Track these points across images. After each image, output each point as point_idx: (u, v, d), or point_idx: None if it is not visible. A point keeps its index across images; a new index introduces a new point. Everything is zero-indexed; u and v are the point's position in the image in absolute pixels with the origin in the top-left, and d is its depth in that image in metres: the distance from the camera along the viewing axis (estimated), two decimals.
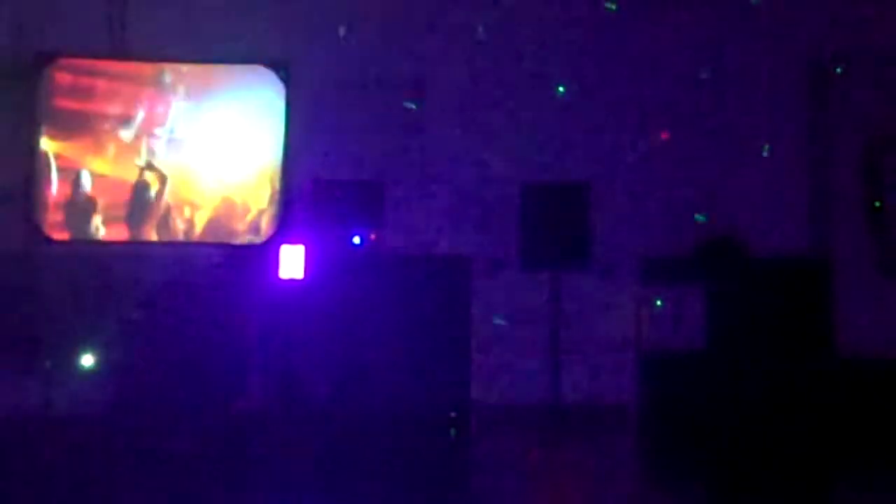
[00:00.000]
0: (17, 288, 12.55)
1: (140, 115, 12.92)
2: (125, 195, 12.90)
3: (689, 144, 13.63)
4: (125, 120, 12.89)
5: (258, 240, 12.92)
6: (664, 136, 13.58)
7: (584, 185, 12.20)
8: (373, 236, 12.85)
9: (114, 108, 12.90)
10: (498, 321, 12.51)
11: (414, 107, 12.93)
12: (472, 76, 13.43)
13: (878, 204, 13.47)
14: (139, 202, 12.90)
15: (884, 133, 13.50)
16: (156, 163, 12.93)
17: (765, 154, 13.12)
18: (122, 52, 13.05)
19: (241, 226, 12.99)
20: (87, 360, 12.58)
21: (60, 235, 12.78)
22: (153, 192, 12.89)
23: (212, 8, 13.05)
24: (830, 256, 13.38)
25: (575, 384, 12.88)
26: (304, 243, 12.57)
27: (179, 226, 12.90)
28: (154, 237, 12.89)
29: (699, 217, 12.97)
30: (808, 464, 11.58)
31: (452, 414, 12.88)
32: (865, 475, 11.09)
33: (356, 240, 12.79)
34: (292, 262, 12.49)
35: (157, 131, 12.93)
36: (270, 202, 12.96)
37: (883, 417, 12.45)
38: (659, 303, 13.16)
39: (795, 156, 13.68)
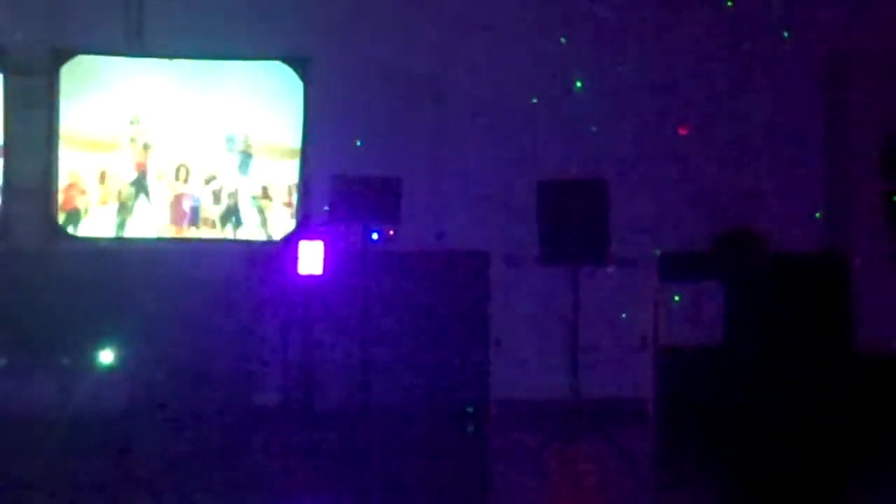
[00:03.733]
0: (34, 284, 12.56)
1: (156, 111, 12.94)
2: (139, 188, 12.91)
3: (708, 140, 13.62)
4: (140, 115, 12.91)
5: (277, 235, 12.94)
6: (682, 131, 13.57)
7: (602, 181, 12.19)
8: (391, 232, 12.86)
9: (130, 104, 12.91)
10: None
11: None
12: (490, 73, 13.41)
13: (895, 198, 13.45)
14: (152, 196, 12.92)
15: None
16: (172, 156, 12.94)
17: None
18: (138, 49, 13.04)
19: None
20: (106, 357, 12.58)
21: (78, 232, 12.78)
22: (168, 184, 12.90)
23: (229, 4, 13.04)
24: (849, 251, 13.38)
25: (593, 380, 12.84)
26: (322, 239, 12.56)
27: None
28: (167, 232, 12.89)
29: None
30: (825, 459, 11.58)
31: (470, 409, 12.90)
32: (883, 469, 11.09)
33: (374, 235, 12.79)
34: (311, 257, 12.49)
35: (174, 126, 12.94)
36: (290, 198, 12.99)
37: None
38: (677, 298, 13.15)
39: (813, 150, 13.68)
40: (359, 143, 12.97)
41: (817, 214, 13.56)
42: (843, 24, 13.58)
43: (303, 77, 12.87)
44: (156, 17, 13.11)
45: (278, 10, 13.03)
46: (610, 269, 12.70)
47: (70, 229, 12.73)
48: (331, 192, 12.68)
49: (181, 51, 12.93)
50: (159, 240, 12.84)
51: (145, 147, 12.85)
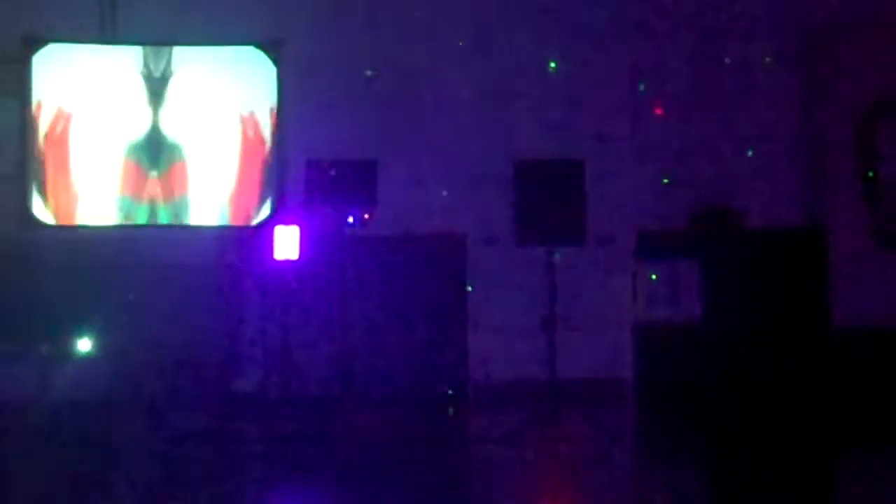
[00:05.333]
0: (10, 273, 12.52)
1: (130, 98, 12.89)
2: (118, 177, 12.86)
3: (683, 117, 13.61)
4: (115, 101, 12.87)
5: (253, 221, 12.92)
6: (658, 111, 13.56)
7: (578, 161, 12.17)
8: (367, 215, 12.83)
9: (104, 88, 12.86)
10: None
11: None
12: (464, 53, 13.39)
13: (871, 174, 13.47)
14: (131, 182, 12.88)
15: (876, 101, 13.47)
16: (147, 144, 12.90)
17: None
18: (111, 35, 12.99)
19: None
20: (83, 345, 12.56)
21: (54, 219, 12.74)
22: (145, 172, 12.87)
23: None
24: (825, 227, 13.38)
25: (571, 359, 12.86)
26: (298, 224, 12.54)
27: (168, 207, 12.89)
28: (146, 219, 12.86)
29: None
30: (803, 435, 11.60)
31: (449, 392, 12.90)
32: (860, 446, 11.12)
33: (350, 219, 12.77)
34: (287, 242, 12.47)
35: (148, 113, 12.89)
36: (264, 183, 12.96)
37: (878, 388, 12.49)
38: (654, 276, 13.16)
39: (789, 126, 13.67)
40: (332, 128, 12.93)
41: None
42: (817, 0, 13.58)
43: (276, 60, 12.82)
44: (128, 2, 13.06)
45: None
46: (587, 249, 12.69)
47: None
48: (306, 177, 12.65)
49: (154, 36, 12.87)
50: (135, 226, 12.81)
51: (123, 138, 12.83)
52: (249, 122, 12.93)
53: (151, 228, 12.80)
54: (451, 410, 12.66)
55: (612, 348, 13.28)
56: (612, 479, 10.27)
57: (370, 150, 12.94)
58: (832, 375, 12.62)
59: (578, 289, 13.11)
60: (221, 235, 12.88)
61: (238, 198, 12.92)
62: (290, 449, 11.07)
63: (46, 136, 12.67)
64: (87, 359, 12.54)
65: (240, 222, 12.90)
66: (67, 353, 12.52)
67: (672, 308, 13.08)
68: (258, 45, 12.88)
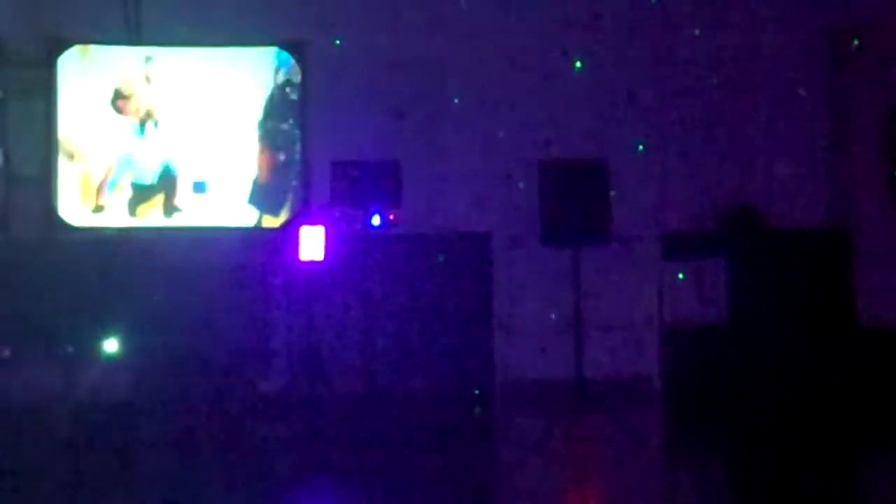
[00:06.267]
0: (36, 275, 12.54)
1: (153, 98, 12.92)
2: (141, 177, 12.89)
3: (708, 117, 13.59)
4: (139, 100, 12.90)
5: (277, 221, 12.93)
6: (682, 110, 13.55)
7: (602, 160, 12.18)
8: (392, 216, 12.84)
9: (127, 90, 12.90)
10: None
11: None
12: (489, 54, 13.38)
13: None
14: (154, 185, 12.91)
15: None
16: (171, 145, 12.93)
17: None
18: (136, 37, 13.01)
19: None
20: (109, 346, 12.58)
21: (80, 221, 12.77)
22: (168, 174, 12.90)
23: None
24: (851, 227, 13.34)
25: (598, 359, 12.87)
26: (323, 224, 12.55)
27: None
28: (168, 221, 12.88)
29: None
30: (831, 434, 11.56)
31: (476, 391, 12.88)
32: (889, 445, 11.07)
33: (375, 219, 12.78)
34: (312, 243, 12.48)
35: (171, 114, 12.92)
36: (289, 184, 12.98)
37: None
38: (681, 276, 13.13)
39: (815, 127, 13.64)
40: (356, 129, 12.93)
41: None
42: (843, 0, 13.54)
43: (301, 62, 12.84)
44: (154, 4, 13.08)
45: None
46: (612, 248, 12.68)
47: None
48: (331, 177, 12.67)
49: (179, 38, 12.91)
50: (161, 228, 12.84)
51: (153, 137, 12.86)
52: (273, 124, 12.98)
53: (177, 229, 12.83)
54: (476, 410, 12.64)
55: (639, 348, 13.25)
56: (639, 479, 10.22)
57: (394, 151, 12.96)
58: (859, 374, 12.58)
59: (604, 288, 13.09)
60: (247, 236, 12.89)
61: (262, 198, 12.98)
62: (315, 449, 11.07)
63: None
64: (113, 360, 12.55)
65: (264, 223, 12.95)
66: (94, 355, 12.54)
67: (699, 308, 13.04)
68: (282, 46, 12.91)
